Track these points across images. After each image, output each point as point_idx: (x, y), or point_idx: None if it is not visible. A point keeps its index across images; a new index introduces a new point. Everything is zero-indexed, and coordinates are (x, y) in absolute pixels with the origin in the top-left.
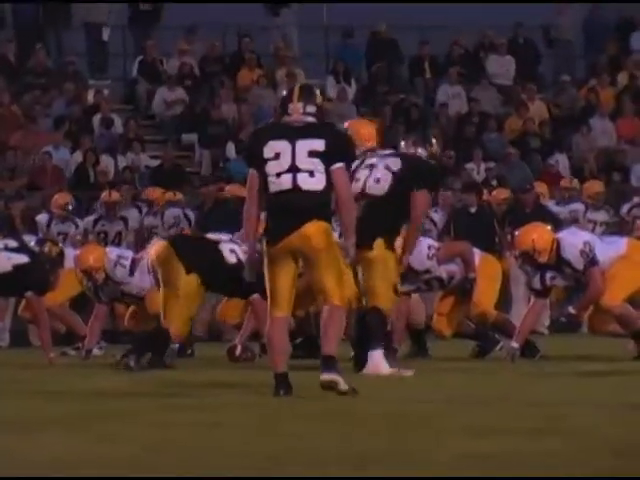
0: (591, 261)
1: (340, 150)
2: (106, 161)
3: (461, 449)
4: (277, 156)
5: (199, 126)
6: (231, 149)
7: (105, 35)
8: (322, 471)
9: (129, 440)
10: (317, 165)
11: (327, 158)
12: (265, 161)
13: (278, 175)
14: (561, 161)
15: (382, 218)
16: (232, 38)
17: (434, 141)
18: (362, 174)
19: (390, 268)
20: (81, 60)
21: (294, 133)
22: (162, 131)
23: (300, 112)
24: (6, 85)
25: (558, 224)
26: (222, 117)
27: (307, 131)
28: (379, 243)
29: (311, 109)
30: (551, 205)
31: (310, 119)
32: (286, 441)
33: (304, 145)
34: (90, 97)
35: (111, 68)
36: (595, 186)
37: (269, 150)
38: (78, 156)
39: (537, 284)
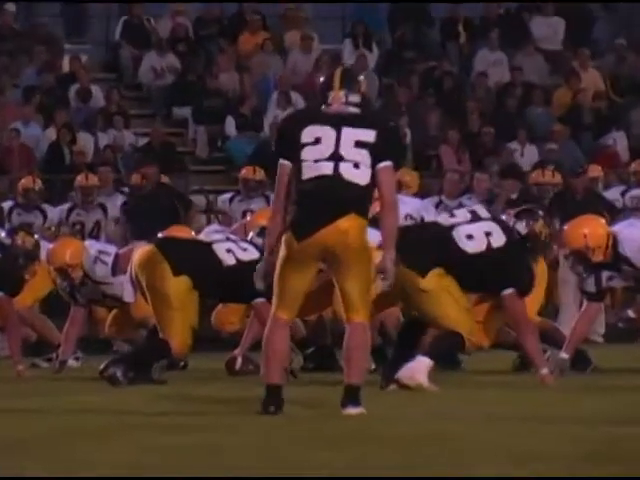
0: None
1: (391, 146)
2: (84, 139)
3: (500, 475)
4: (317, 141)
5: (193, 98)
6: (231, 125)
7: None
8: None
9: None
10: (364, 157)
11: (376, 152)
12: (302, 146)
13: (316, 161)
14: (619, 140)
15: None
16: None
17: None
18: None
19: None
20: (55, 21)
21: (339, 120)
22: (150, 104)
23: (342, 101)
24: None
25: (614, 214)
26: (220, 88)
27: (355, 120)
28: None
29: (354, 98)
30: (608, 192)
31: (353, 109)
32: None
33: (351, 133)
34: (65, 64)
35: (90, 30)
36: None
37: (308, 134)
38: (51, 133)
39: (591, 286)
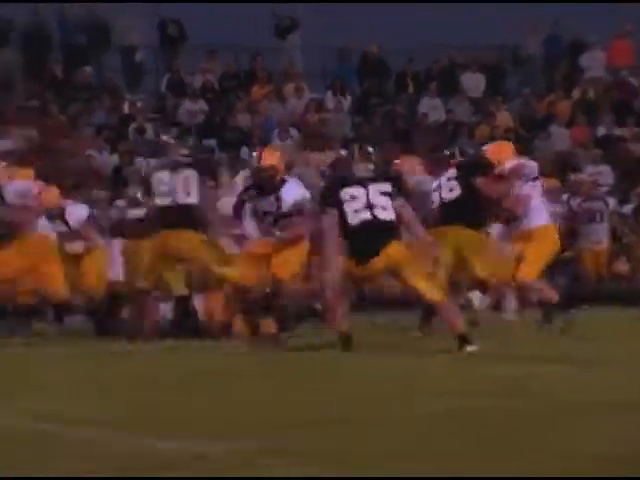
0: None
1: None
2: (139, 162)
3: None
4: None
5: (218, 133)
6: (245, 153)
7: (139, 56)
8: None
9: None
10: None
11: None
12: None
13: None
14: None
15: None
16: (246, 58)
17: None
18: None
19: None
20: (118, 76)
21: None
22: (187, 137)
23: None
24: (55, 98)
25: None
26: (238, 125)
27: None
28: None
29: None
30: None
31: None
32: None
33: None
34: (126, 108)
35: (144, 84)
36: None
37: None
38: (115, 159)
39: None
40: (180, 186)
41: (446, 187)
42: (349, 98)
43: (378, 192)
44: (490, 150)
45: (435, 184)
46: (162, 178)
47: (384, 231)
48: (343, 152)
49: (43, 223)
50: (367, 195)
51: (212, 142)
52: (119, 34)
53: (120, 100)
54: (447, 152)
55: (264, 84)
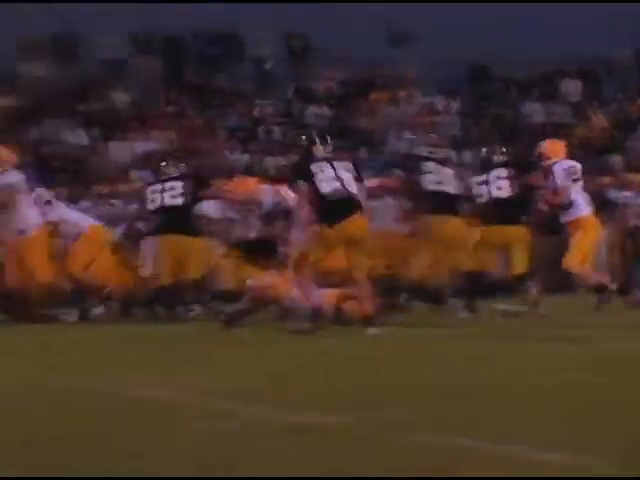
0: None
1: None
2: (268, 160)
3: None
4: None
5: (341, 135)
6: (364, 151)
7: (268, 65)
8: None
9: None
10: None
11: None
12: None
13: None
14: (618, 161)
15: None
16: (365, 67)
17: None
18: None
19: None
20: (250, 85)
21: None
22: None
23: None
24: (192, 104)
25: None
26: (358, 127)
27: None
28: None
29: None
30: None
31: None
32: None
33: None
34: (256, 113)
35: (272, 91)
36: None
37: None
38: (246, 157)
39: None
40: None
41: (494, 184)
42: (458, 102)
43: (342, 168)
44: (546, 146)
45: (481, 178)
46: None
47: (352, 201)
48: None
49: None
50: (334, 169)
51: (336, 143)
52: (250, 46)
53: (251, 105)
54: (485, 149)
55: (381, 90)
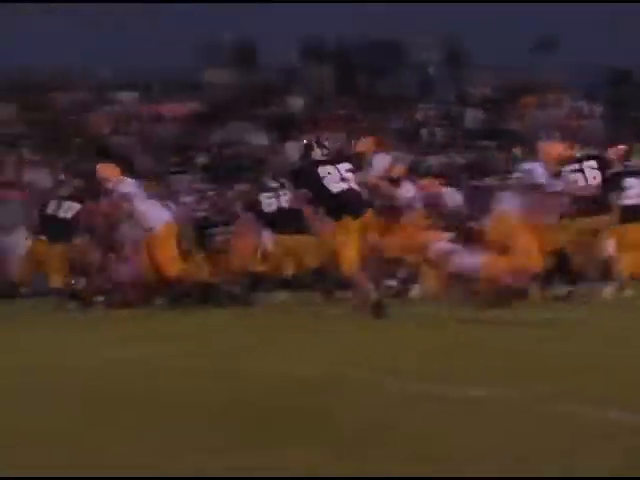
0: None
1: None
2: (432, 160)
3: None
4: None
5: (495, 135)
6: (518, 151)
7: (430, 72)
8: None
9: None
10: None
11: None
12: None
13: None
14: None
15: None
16: (516, 73)
17: None
18: None
19: None
20: (412, 90)
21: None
22: (470, 138)
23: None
24: (360, 108)
25: None
26: (508, 129)
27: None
28: None
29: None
30: None
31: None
32: None
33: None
34: (419, 116)
35: (434, 96)
36: None
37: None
38: (410, 157)
39: None
40: None
41: (590, 174)
42: (600, 107)
43: (345, 170)
44: (615, 151)
45: (574, 166)
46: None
47: (360, 198)
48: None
49: None
50: (339, 171)
51: (491, 144)
52: (413, 54)
53: (414, 109)
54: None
55: (530, 95)
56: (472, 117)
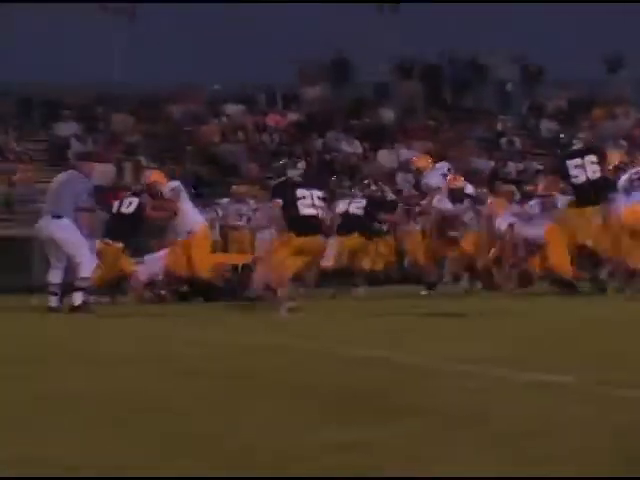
0: None
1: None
2: (510, 166)
3: None
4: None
5: (566, 146)
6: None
7: (508, 87)
8: None
9: None
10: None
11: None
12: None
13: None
14: None
15: None
16: (587, 87)
17: None
18: None
19: None
20: (493, 103)
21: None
22: (544, 146)
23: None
24: (446, 119)
25: None
26: (582, 139)
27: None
28: None
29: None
30: None
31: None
32: None
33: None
34: (499, 126)
35: (512, 108)
36: None
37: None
38: (491, 163)
39: None
40: None
41: (590, 169)
42: None
43: (317, 197)
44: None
45: (577, 161)
46: None
47: (317, 224)
48: None
49: None
50: (312, 198)
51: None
52: (493, 71)
53: (494, 120)
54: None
55: (601, 107)
56: (547, 127)
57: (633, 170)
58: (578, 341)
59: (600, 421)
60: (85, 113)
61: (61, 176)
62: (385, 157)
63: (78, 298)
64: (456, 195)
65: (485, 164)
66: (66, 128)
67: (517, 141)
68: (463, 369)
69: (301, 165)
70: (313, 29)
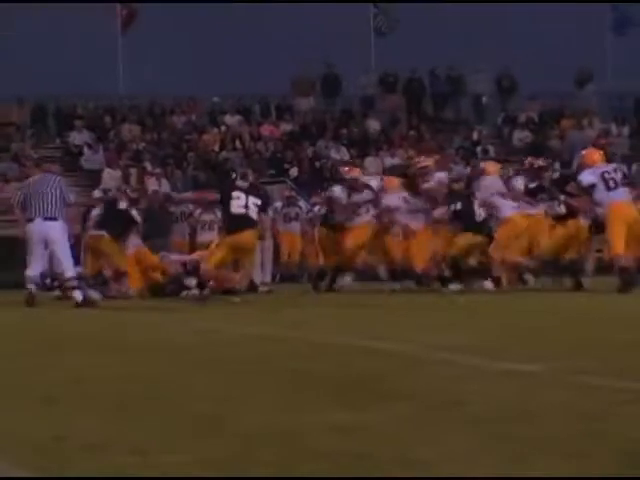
0: None
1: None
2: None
3: None
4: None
5: (539, 151)
6: (557, 166)
7: (483, 100)
8: None
9: None
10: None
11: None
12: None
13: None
14: None
15: None
16: (557, 100)
17: None
18: None
19: None
20: (470, 114)
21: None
22: (515, 155)
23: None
24: (427, 129)
25: None
26: (551, 147)
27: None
28: None
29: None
30: None
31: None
32: None
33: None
34: (475, 136)
35: (487, 119)
36: None
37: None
38: (468, 170)
39: None
40: None
41: None
42: (627, 128)
43: (252, 202)
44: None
45: None
46: None
47: (249, 222)
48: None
49: None
50: (246, 200)
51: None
52: (470, 86)
53: (471, 130)
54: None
55: (569, 118)
56: (519, 137)
57: (604, 169)
58: (553, 332)
59: (569, 407)
60: (96, 123)
61: (42, 179)
62: (371, 163)
63: (78, 295)
64: (353, 185)
65: (463, 170)
66: (79, 137)
67: (491, 149)
68: (443, 357)
69: (293, 171)
70: (306, 46)
